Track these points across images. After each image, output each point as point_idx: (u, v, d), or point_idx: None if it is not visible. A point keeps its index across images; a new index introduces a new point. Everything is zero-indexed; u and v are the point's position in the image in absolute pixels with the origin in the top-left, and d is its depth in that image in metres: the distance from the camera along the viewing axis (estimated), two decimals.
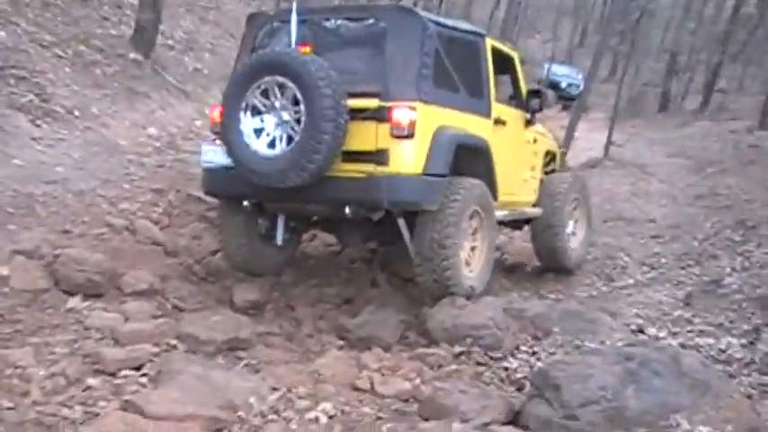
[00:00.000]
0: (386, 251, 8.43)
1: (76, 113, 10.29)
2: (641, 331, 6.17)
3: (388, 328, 5.92)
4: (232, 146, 5.98)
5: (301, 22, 6.17)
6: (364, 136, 5.86)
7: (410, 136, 5.81)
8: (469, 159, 6.45)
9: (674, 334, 6.09)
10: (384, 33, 6.05)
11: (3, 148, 8.43)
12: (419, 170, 5.90)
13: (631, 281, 8.36)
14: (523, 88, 7.88)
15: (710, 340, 5.86)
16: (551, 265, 8.46)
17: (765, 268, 7.78)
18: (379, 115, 5.82)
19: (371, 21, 6.17)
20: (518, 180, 7.76)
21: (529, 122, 7.94)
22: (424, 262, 6.15)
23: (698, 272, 8.44)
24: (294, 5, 6.19)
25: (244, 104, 5.92)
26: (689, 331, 6.17)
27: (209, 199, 8.34)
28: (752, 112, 24.37)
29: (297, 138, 5.74)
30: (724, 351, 5.66)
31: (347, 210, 5.98)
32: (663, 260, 9.16)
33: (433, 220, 6.07)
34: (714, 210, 12.16)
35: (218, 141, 6.38)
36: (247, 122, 5.93)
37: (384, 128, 5.83)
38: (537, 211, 8.17)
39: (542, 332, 5.91)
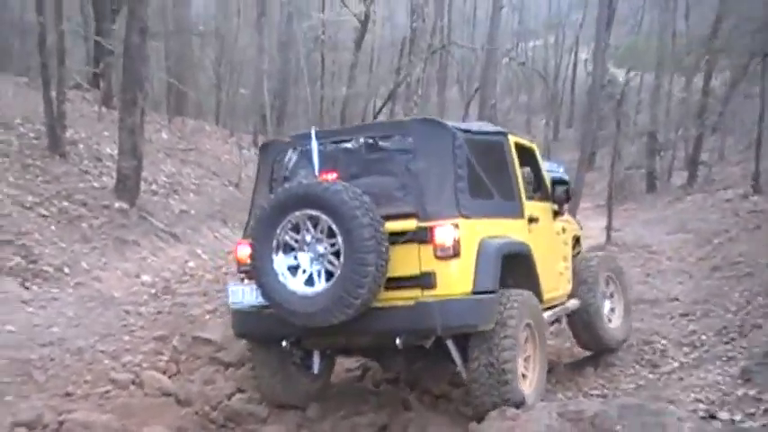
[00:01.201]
0: (411, 370, 7.89)
1: (66, 270, 9.94)
2: (713, 416, 5.61)
3: None
4: (267, 288, 5.59)
5: (321, 145, 5.91)
6: (405, 260, 5.54)
7: (456, 255, 5.50)
8: (513, 267, 6.09)
9: (750, 415, 5.54)
10: (412, 149, 5.82)
11: None
12: (468, 289, 5.58)
13: (676, 364, 7.82)
14: (547, 179, 7.54)
15: None
16: (596, 350, 8.06)
17: None
18: (420, 236, 5.52)
19: (397, 137, 5.94)
20: (555, 275, 7.36)
21: (557, 213, 7.58)
22: (480, 385, 5.75)
23: (745, 344, 7.91)
24: (313, 130, 5.96)
25: (275, 243, 5.56)
26: (765, 411, 5.60)
27: (217, 339, 7.84)
28: (739, 180, 24.23)
29: (337, 272, 5.38)
30: None
31: (398, 341, 5.62)
32: (702, 337, 8.64)
33: (488, 339, 5.72)
34: (736, 279, 11.70)
35: (246, 280, 6.01)
36: (281, 261, 5.57)
37: (426, 249, 5.51)
38: (576, 302, 7.76)
39: None
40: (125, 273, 11.10)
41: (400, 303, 5.53)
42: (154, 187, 14.88)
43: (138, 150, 12.83)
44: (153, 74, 18.33)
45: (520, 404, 5.70)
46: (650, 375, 7.51)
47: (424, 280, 5.50)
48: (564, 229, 7.87)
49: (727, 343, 8.19)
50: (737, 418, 5.51)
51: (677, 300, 11.19)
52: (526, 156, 7.16)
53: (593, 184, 27.17)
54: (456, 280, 5.53)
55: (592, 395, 7.00)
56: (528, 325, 6.11)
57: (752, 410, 5.61)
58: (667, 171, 27.96)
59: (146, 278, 11.15)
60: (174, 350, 7.77)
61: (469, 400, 5.97)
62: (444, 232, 5.48)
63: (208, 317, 9.06)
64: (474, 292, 5.58)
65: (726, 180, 25.33)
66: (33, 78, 13.85)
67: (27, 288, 9.07)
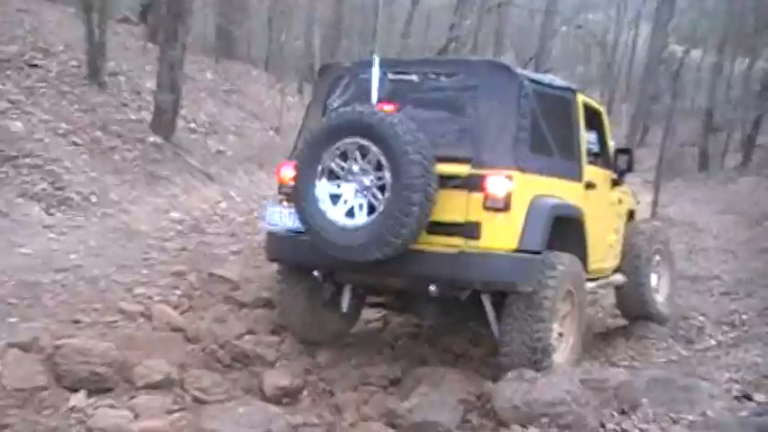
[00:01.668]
0: (434, 325, 7.58)
1: (93, 200, 9.72)
2: (747, 397, 5.20)
3: (446, 410, 5.02)
4: (305, 213, 5.40)
5: (382, 74, 5.62)
6: (452, 206, 5.28)
7: (506, 208, 5.22)
8: (563, 231, 5.74)
9: None
10: (476, 91, 5.50)
11: (9, 236, 7.80)
12: (513, 246, 5.30)
13: (713, 342, 7.39)
14: (611, 146, 7.20)
15: None
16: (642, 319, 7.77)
17: None
18: (471, 184, 5.26)
19: (461, 76, 5.63)
20: (605, 246, 7.04)
21: (615, 183, 7.23)
22: (510, 346, 5.50)
23: None
24: (376, 57, 5.62)
25: (320, 168, 5.35)
26: None
27: (233, 277, 7.60)
28: None
29: (380, 208, 5.14)
30: None
31: (432, 288, 5.39)
32: (743, 317, 8.17)
33: (526, 301, 5.42)
34: None
35: (285, 203, 5.85)
36: (323, 188, 5.36)
37: (476, 198, 5.25)
38: (621, 278, 7.46)
39: (629, 405, 4.99)
40: (154, 208, 10.86)
41: (440, 250, 5.30)
42: (192, 125, 14.64)
43: (177, 85, 12.56)
44: (199, 11, 17.99)
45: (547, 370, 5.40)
46: (684, 351, 7.09)
47: (469, 229, 5.25)
48: (620, 201, 7.55)
49: None
50: None
51: (718, 278, 10.72)
52: (593, 118, 6.84)
53: (643, 160, 26.22)
54: (502, 234, 5.27)
55: (619, 366, 6.60)
56: (569, 292, 5.80)
57: None
58: (721, 151, 27.05)
59: (175, 215, 10.90)
60: (190, 286, 7.54)
61: (497, 360, 5.73)
62: (497, 182, 5.21)
63: (232, 258, 8.85)
64: (518, 250, 5.30)
65: None
66: (81, 9, 13.62)
67: (51, 214, 8.87)
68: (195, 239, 9.54)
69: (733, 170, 24.91)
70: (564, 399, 4.71)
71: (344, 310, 6.36)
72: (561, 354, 5.77)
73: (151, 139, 12.18)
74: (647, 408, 4.97)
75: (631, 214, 8.08)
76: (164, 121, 12.42)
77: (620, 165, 7.10)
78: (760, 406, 4.99)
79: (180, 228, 10.18)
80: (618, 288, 7.62)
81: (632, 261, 7.53)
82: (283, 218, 5.81)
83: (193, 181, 12.48)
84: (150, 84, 13.75)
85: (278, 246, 6.04)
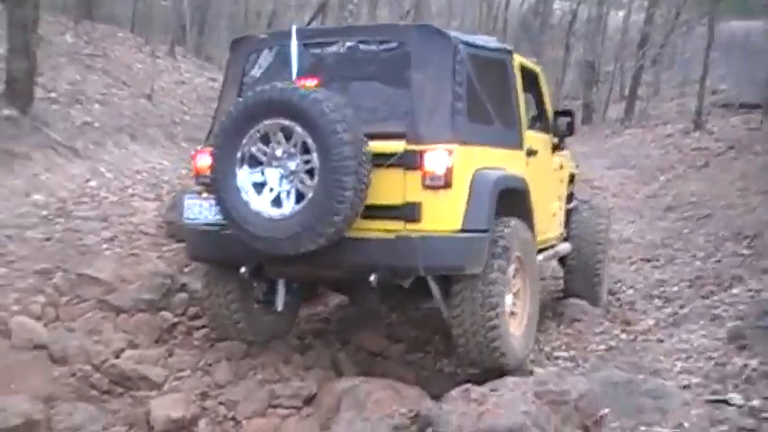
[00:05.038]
0: (342, 318, 6.73)
1: None
2: (725, 401, 4.54)
3: None
4: (227, 205, 4.84)
5: (302, 46, 5.09)
6: (389, 187, 4.80)
7: (447, 185, 4.73)
8: (506, 204, 5.25)
9: None
10: (407, 59, 5.00)
11: None
12: (458, 226, 4.80)
13: (651, 321, 6.79)
14: (549, 109, 6.74)
15: None
16: (587, 301, 7.24)
17: None
18: (408, 161, 4.76)
19: (390, 44, 5.13)
20: (549, 215, 6.64)
21: (556, 147, 6.77)
22: (466, 332, 5.05)
23: (727, 300, 6.92)
24: (294, 27, 5.08)
25: (239, 155, 4.79)
26: None
27: (107, 278, 6.47)
28: (676, 116, 23.64)
29: (310, 194, 4.62)
30: None
31: (372, 278, 4.83)
32: (674, 289, 7.66)
33: (475, 281, 4.97)
34: (695, 221, 10.83)
35: (204, 194, 5.27)
36: (245, 176, 4.82)
37: (414, 177, 4.76)
38: (568, 246, 7.15)
39: (592, 420, 4.24)
40: (12, 191, 9.47)
41: (379, 236, 4.83)
42: (53, 95, 13.07)
43: (31, 50, 11.08)
44: None
45: (507, 354, 5.08)
46: (623, 335, 6.43)
47: (408, 211, 4.77)
48: (561, 166, 7.10)
49: (705, 297, 7.21)
50: (755, 403, 4.44)
51: (631, 242, 10.27)
52: (529, 80, 6.43)
53: None
54: (445, 214, 4.79)
55: (558, 358, 5.91)
56: (518, 258, 5.39)
57: None
58: (604, 103, 27.14)
59: (37, 197, 9.53)
60: (56, 289, 6.35)
61: (455, 351, 5.38)
62: (436, 158, 4.71)
63: (105, 246, 7.67)
64: (464, 230, 4.81)
65: (662, 116, 24.70)
66: None
67: None
68: (61, 226, 8.26)
69: (617, 123, 24.97)
70: (523, 423, 3.90)
71: (280, 309, 5.78)
72: (518, 324, 5.43)
73: (5, 112, 10.68)
74: (613, 421, 4.25)
75: (572, 179, 7.66)
76: (18, 90, 10.90)
77: (559, 128, 6.67)
78: (741, 413, 4.33)
79: (44, 213, 8.87)
80: (567, 262, 7.30)
81: (590, 237, 7.24)
82: (203, 211, 5.23)
83: (57, 158, 11.04)
84: (0, 49, 12.18)
85: (199, 243, 5.45)
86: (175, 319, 6.12)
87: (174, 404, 4.74)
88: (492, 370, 5.20)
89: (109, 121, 13.50)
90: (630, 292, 7.73)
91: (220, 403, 4.90)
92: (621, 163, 17.86)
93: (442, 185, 4.70)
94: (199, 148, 5.64)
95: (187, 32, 19.49)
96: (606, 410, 4.32)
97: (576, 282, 7.27)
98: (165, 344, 5.81)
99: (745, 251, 8.44)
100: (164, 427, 4.59)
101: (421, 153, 4.71)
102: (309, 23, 23.22)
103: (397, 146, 4.75)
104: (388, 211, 4.80)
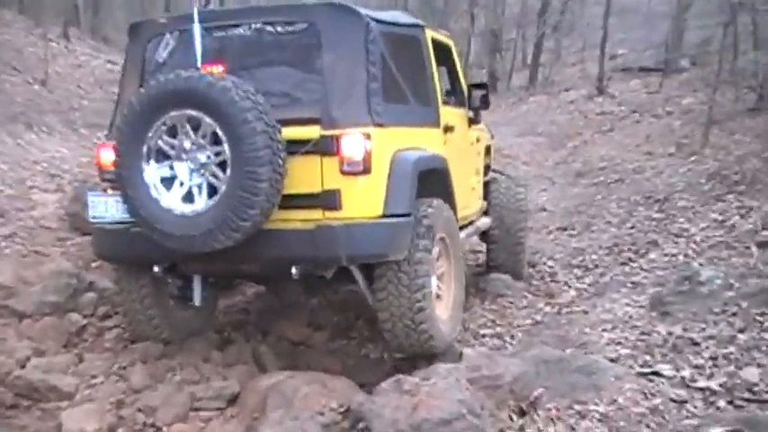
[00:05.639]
0: (262, 308, 6.50)
1: None
2: (655, 373, 4.51)
3: None
4: (135, 203, 4.55)
5: (205, 30, 4.77)
6: (305, 175, 4.58)
7: (366, 171, 4.54)
8: (427, 184, 5.08)
9: (698, 368, 4.48)
10: (318, 40, 4.76)
11: None
12: (379, 212, 4.64)
13: (573, 292, 6.77)
14: (463, 82, 6.58)
15: (755, 370, 4.29)
16: (509, 274, 7.22)
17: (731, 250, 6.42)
18: (323, 147, 4.54)
19: (298, 24, 4.86)
20: (468, 191, 6.50)
21: (472, 121, 6.60)
22: (392, 316, 4.91)
23: (645, 266, 6.98)
24: (195, 10, 4.69)
25: (145, 149, 4.48)
26: (712, 360, 4.55)
27: (6, 281, 6.06)
28: (578, 82, 23.99)
29: (223, 188, 4.35)
30: None
31: (293, 270, 4.66)
32: (593, 257, 7.67)
33: (399, 266, 4.83)
34: (606, 186, 10.95)
35: (109, 191, 5.01)
36: (152, 172, 4.51)
37: (331, 162, 4.55)
38: (488, 220, 7.06)
39: (527, 402, 4.15)
40: None
41: (297, 226, 4.61)
42: None
43: None
44: None
45: (436, 337, 4.99)
46: (547, 308, 6.39)
47: (327, 199, 4.58)
48: (478, 139, 6.95)
49: (624, 264, 7.24)
50: (685, 374, 4.42)
51: (545, 210, 10.30)
52: (442, 54, 6.23)
53: None
54: (365, 200, 4.62)
55: (484, 336, 5.82)
56: (442, 239, 5.26)
57: (698, 361, 4.55)
58: (508, 72, 27.35)
59: None
60: None
61: (381, 336, 5.21)
62: (353, 143, 4.52)
63: (3, 244, 7.23)
64: (385, 215, 4.66)
65: (565, 81, 25.03)
66: None
67: None
68: None
69: (521, 90, 25.19)
70: (459, 412, 3.77)
71: (197, 304, 5.51)
72: (445, 307, 5.33)
73: None
74: (548, 402, 4.16)
75: (488, 150, 7.55)
76: None
77: (474, 102, 6.51)
78: (673, 384, 4.31)
79: None
80: (489, 236, 7.19)
81: (511, 208, 7.19)
82: (109, 208, 4.90)
83: None
84: None
85: (107, 242, 5.11)
86: (84, 321, 5.76)
87: (87, 415, 4.42)
88: (420, 354, 5.13)
89: (1, 110, 12.82)
90: (550, 263, 7.71)
91: (138, 410, 4.59)
92: (529, 130, 18.00)
93: (360, 171, 4.53)
94: (100, 140, 5.31)
95: (81, 12, 18.65)
96: (540, 391, 4.23)
97: (499, 255, 7.18)
98: (74, 348, 5.47)
99: (657, 215, 8.55)
100: None
101: (337, 138, 4.51)
102: (207, 4, 22.58)
103: (311, 132, 4.54)
104: (305, 200, 4.60)
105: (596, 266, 7.38)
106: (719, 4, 17.57)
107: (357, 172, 4.53)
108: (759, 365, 4.35)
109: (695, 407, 4.08)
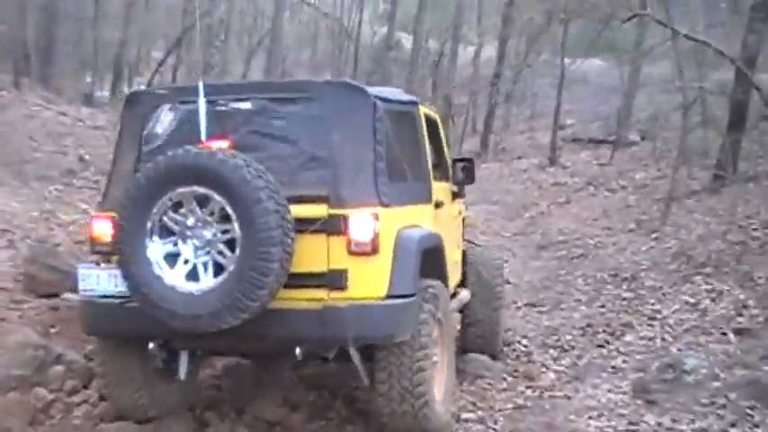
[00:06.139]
0: (235, 384, 6.26)
1: None
2: None
3: None
4: (138, 280, 4.40)
5: (209, 103, 4.69)
6: (311, 254, 4.49)
7: (374, 251, 4.47)
8: (425, 263, 4.96)
9: None
10: (325, 117, 4.73)
11: None
12: (384, 292, 4.56)
13: (553, 375, 6.65)
14: (448, 156, 6.61)
15: None
16: (485, 351, 7.08)
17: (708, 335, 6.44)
18: (331, 226, 4.48)
19: (306, 101, 4.81)
20: (452, 264, 6.34)
21: (456, 195, 6.67)
22: (392, 400, 4.82)
23: (622, 348, 6.95)
24: (201, 83, 4.65)
25: (149, 225, 4.38)
26: None
27: None
28: (528, 150, 24.40)
29: (231, 267, 4.25)
30: None
31: (297, 351, 4.60)
32: (567, 337, 7.61)
33: (402, 347, 4.74)
34: (568, 261, 11.00)
35: (102, 264, 4.91)
36: (156, 248, 4.40)
37: (338, 242, 4.48)
38: (468, 293, 6.86)
39: None
40: None
41: (303, 306, 4.52)
42: None
43: None
44: None
45: (433, 420, 4.90)
46: (528, 391, 6.27)
47: (333, 279, 4.51)
48: (459, 212, 6.99)
49: (600, 346, 7.20)
50: None
51: (510, 283, 10.25)
52: (431, 129, 6.15)
53: None
54: (371, 280, 4.55)
55: (467, 421, 5.67)
56: (439, 320, 5.14)
57: None
58: (460, 137, 27.70)
59: None
60: None
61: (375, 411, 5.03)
62: (361, 223, 4.48)
63: None
64: (389, 296, 4.58)
65: (515, 150, 25.43)
66: None
67: None
68: None
69: (473, 156, 25.41)
70: None
71: (182, 378, 5.31)
72: (438, 387, 5.14)
73: None
74: None
75: (463, 221, 7.47)
76: None
77: (458, 176, 6.57)
78: None
79: None
80: (466, 311, 7.03)
81: (488, 293, 7.04)
82: (101, 281, 4.77)
83: None
84: None
85: (100, 317, 4.91)
86: (51, 396, 5.46)
87: None
88: None
89: None
90: (525, 341, 7.62)
91: None
92: (483, 198, 18.05)
93: (369, 251, 4.47)
94: (92, 213, 5.29)
95: (32, 62, 18.28)
96: None
97: (475, 331, 7.03)
98: (40, 426, 5.17)
99: (627, 294, 8.58)
100: None
101: (345, 218, 4.46)
102: (161, 65, 22.34)
103: (319, 210, 4.49)
104: (310, 279, 4.51)
105: (572, 348, 7.31)
106: (666, 80, 18.19)
107: (365, 252, 4.47)
108: None
109: None
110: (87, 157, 13.41)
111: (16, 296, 7.28)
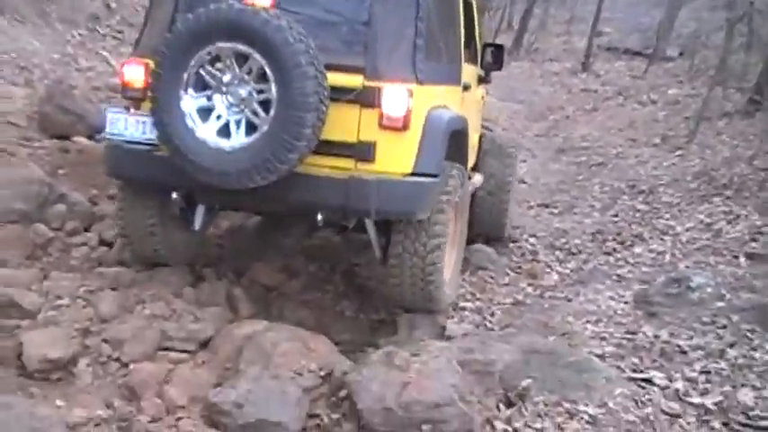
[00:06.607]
0: (236, 246, 6.23)
1: None
2: (647, 380, 4.37)
3: (287, 404, 3.74)
4: (169, 130, 4.37)
5: None
6: (342, 123, 4.46)
7: (405, 127, 4.44)
8: (450, 145, 4.95)
9: (691, 382, 4.35)
10: None
11: None
12: (409, 169, 4.56)
13: (556, 276, 6.60)
14: (479, 40, 6.54)
15: (750, 393, 4.17)
16: (491, 236, 7.23)
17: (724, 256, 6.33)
18: (364, 98, 4.43)
19: None
20: (473, 149, 6.40)
21: (482, 80, 6.68)
22: (403, 279, 4.95)
23: (630, 259, 6.85)
24: None
25: (185, 77, 4.31)
26: (705, 375, 4.42)
27: None
28: (562, 54, 23.84)
29: (264, 128, 4.24)
30: None
31: (319, 216, 4.67)
32: (576, 241, 7.51)
33: (419, 226, 4.82)
34: (587, 167, 10.82)
35: (132, 109, 4.77)
36: (190, 101, 4.36)
37: (370, 115, 4.44)
38: (481, 177, 6.84)
39: (516, 393, 3.99)
40: None
41: (329, 174, 4.54)
42: None
43: None
44: None
45: (440, 299, 5.11)
46: (529, 289, 6.23)
47: (362, 151, 4.50)
48: (483, 97, 6.96)
49: (608, 254, 7.10)
50: (678, 386, 4.28)
51: (525, 183, 10.12)
52: (466, 10, 6.03)
53: None
54: (398, 156, 4.54)
55: (464, 309, 5.63)
56: (455, 203, 5.20)
57: (691, 374, 4.41)
58: (494, 32, 27.00)
59: None
60: None
61: (385, 290, 5.27)
62: (396, 97, 4.40)
63: None
64: (414, 173, 4.58)
65: (549, 52, 24.85)
66: None
67: None
68: None
69: (505, 53, 24.85)
70: (451, 398, 3.60)
71: (197, 228, 5.44)
72: (447, 268, 5.21)
73: None
74: (536, 395, 4.01)
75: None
76: None
77: (487, 60, 6.57)
78: (666, 395, 4.18)
79: None
80: (477, 194, 6.90)
81: (501, 174, 7.02)
82: (130, 126, 4.70)
83: None
84: None
85: (125, 161, 4.86)
86: (51, 234, 5.45)
87: (50, 341, 4.12)
88: (397, 313, 5.30)
89: None
90: (532, 240, 7.53)
91: (104, 341, 4.33)
92: (510, 96, 17.72)
93: (400, 126, 4.42)
94: (126, 58, 5.07)
95: None
96: (529, 382, 4.07)
97: (483, 216, 6.99)
98: (38, 262, 5.16)
99: (642, 206, 8.44)
100: (37, 366, 4.01)
101: (380, 91, 4.39)
102: None
103: (354, 80, 4.41)
104: (339, 148, 4.50)
105: (580, 252, 7.23)
106: None
107: (396, 127, 4.43)
108: (754, 388, 4.23)
109: (688, 423, 3.96)
110: (114, 4, 13.07)
111: (28, 134, 7.21)
